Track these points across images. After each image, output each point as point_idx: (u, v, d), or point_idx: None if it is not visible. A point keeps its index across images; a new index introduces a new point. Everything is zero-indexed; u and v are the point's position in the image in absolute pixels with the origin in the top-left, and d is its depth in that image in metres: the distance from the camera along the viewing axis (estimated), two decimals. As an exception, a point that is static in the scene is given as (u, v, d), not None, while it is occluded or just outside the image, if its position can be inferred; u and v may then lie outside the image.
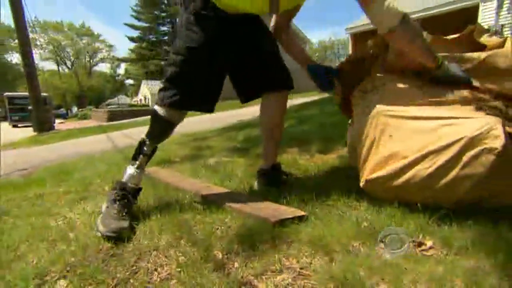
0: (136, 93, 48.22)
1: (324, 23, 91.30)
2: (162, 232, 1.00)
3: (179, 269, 0.80)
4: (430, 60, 1.06)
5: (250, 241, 0.88)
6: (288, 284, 0.71)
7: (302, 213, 1.01)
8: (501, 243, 0.75)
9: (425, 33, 1.19)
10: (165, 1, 42.76)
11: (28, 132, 11.88)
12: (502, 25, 8.91)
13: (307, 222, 0.97)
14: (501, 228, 0.82)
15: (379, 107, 1.05)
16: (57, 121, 17.64)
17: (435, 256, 0.77)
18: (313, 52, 45.30)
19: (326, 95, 5.29)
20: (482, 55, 1.11)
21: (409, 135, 0.97)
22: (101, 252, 0.93)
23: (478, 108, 0.99)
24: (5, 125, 20.32)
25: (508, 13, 8.86)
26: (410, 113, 1.00)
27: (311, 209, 1.07)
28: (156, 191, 1.41)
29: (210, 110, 1.32)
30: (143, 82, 41.85)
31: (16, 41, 36.87)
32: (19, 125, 17.64)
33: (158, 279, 0.79)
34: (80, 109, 36.80)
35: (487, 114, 0.95)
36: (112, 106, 37.88)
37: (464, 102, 1.03)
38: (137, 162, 1.22)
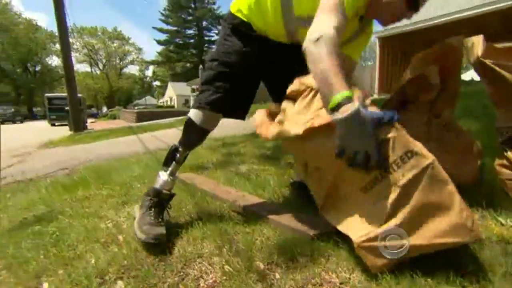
0: (162, 94, 49.76)
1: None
2: (204, 240, 1.06)
3: (225, 278, 0.86)
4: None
5: (290, 253, 0.92)
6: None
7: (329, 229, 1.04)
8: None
9: (460, 37, 1.20)
10: (192, 5, 43.82)
11: (64, 130, 12.67)
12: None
13: (345, 236, 1.00)
14: None
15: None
16: (89, 120, 18.55)
17: None
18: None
19: None
20: None
21: None
22: (150, 256, 1.01)
23: None
24: (45, 123, 21.78)
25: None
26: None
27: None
28: (194, 199, 1.48)
29: (243, 116, 1.37)
30: (170, 83, 43.08)
31: (57, 45, 39.04)
32: (56, 124, 18.74)
33: (205, 286, 0.85)
34: (109, 109, 38.44)
35: None
36: (140, 107, 39.31)
37: None
38: (170, 169, 1.26)
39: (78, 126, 8.68)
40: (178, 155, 1.27)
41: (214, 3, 44.60)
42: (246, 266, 0.88)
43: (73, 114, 8.61)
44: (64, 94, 23.95)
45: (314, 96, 0.99)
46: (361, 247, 0.81)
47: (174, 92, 39.96)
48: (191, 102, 32.58)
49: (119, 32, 50.23)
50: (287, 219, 1.12)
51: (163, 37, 44.94)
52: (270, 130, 0.98)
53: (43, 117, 38.57)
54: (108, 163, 3.35)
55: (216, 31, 45.84)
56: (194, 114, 1.26)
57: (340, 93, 0.79)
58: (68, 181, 2.31)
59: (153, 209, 1.16)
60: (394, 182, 0.79)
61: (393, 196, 0.79)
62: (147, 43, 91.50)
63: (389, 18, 1.13)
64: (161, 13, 43.39)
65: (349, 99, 0.78)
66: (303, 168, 1.03)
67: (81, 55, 45.55)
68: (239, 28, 1.22)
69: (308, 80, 1.01)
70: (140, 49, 53.85)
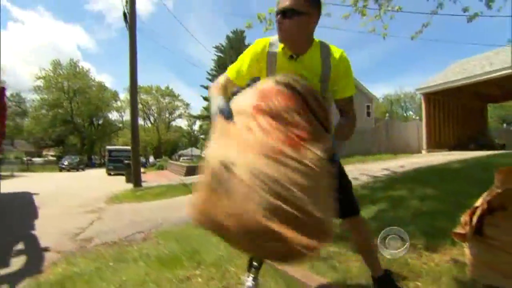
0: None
1: (390, 78, 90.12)
2: None
3: None
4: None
5: None
6: None
7: None
8: None
9: None
10: (236, 65, 47.86)
11: (120, 181, 13.87)
12: None
13: None
14: None
15: None
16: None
17: None
18: (378, 107, 44.51)
19: (398, 168, 5.21)
20: None
21: None
22: None
23: None
24: (102, 172, 24.05)
25: None
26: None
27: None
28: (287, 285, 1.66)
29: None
30: (213, 136, 45.51)
31: (118, 102, 44.66)
32: (111, 173, 20.47)
33: None
34: (157, 159, 41.07)
35: None
36: (185, 158, 41.52)
37: None
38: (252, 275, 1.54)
39: (138, 181, 9.46)
40: (254, 262, 1.57)
41: (255, 63, 48.38)
42: None
43: (135, 171, 9.47)
44: (122, 147, 26.66)
45: None
46: None
47: (217, 145, 41.87)
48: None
49: (170, 89, 55.83)
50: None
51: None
52: None
53: (99, 165, 42.68)
54: (181, 229, 3.66)
55: (258, 87, 48.92)
56: None
57: None
58: (159, 253, 2.61)
59: None
60: None
61: None
62: (194, 99, 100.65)
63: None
64: (208, 73, 47.90)
65: None
66: None
67: (139, 110, 50.81)
68: None
69: None
70: (187, 105, 58.74)
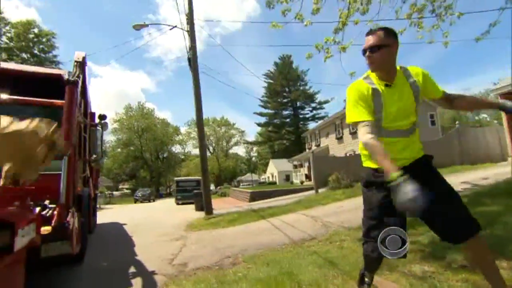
0: (264, 171, 53.40)
1: (451, 81, 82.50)
2: None
3: None
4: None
5: None
6: None
7: None
8: None
9: None
10: (286, 89, 48.86)
11: (189, 209, 14.90)
12: None
13: None
14: None
15: None
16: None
17: None
18: (442, 113, 40.84)
19: (478, 181, 4.81)
20: None
21: None
22: None
23: None
24: (170, 201, 26.03)
25: None
26: None
27: None
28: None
29: None
30: (271, 160, 46.19)
31: (179, 136, 48.82)
32: (179, 202, 21.94)
33: None
34: (218, 187, 42.85)
35: None
36: (244, 184, 42.63)
37: None
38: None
39: (210, 209, 10.09)
40: (367, 279, 1.77)
41: (305, 84, 48.88)
42: None
43: (206, 199, 10.14)
44: (188, 177, 28.56)
45: None
46: None
47: (276, 169, 42.39)
48: (292, 178, 33.82)
49: (226, 119, 58.95)
50: None
51: (262, 119, 50.40)
52: None
53: (166, 195, 46.23)
54: (267, 254, 3.89)
55: (310, 109, 49.02)
56: (368, 252, 1.67)
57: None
58: (256, 276, 2.87)
59: None
60: None
61: None
62: (248, 126, 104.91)
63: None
64: (260, 100, 49.68)
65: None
66: None
67: (196, 142, 54.42)
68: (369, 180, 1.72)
69: None
70: (242, 132, 61.16)
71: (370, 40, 1.57)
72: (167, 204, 24.28)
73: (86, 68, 5.16)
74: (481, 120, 44.50)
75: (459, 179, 7.36)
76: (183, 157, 57.97)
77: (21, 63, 24.71)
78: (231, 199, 23.20)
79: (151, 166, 51.89)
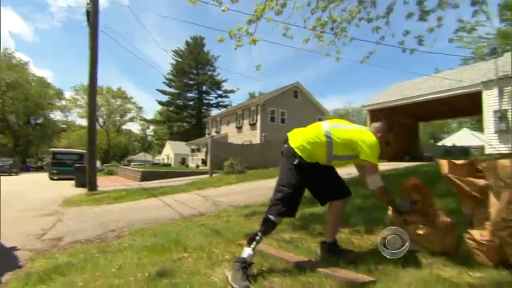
0: (159, 152, 50.88)
1: (340, 92, 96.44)
2: (293, 286, 1.71)
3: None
4: (395, 207, 2.19)
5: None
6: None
7: (373, 278, 1.72)
8: None
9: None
10: (194, 71, 47.67)
11: (67, 186, 13.08)
12: (506, 110, 9.90)
13: (378, 282, 1.67)
14: None
15: None
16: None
17: None
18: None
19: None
20: (480, 182, 1.90)
21: None
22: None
23: None
24: (42, 176, 21.97)
25: (510, 100, 9.93)
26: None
27: (378, 275, 1.77)
28: (265, 260, 2.13)
29: (295, 216, 2.16)
30: (168, 142, 44.40)
31: (62, 101, 41.08)
32: (54, 178, 18.95)
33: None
34: (105, 165, 38.73)
35: None
36: (136, 163, 39.79)
37: None
38: (253, 246, 1.97)
39: (93, 186, 9.19)
40: (258, 238, 2.00)
41: (214, 70, 48.74)
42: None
43: (90, 174, 9.18)
44: (69, 150, 24.63)
45: None
46: None
47: (172, 151, 41.05)
48: (189, 162, 33.47)
49: (123, 91, 53.29)
50: (336, 273, 1.80)
51: (164, 98, 47.78)
52: None
53: (37, 169, 38.65)
54: (156, 227, 3.91)
55: (215, 95, 49.21)
56: (271, 217, 2.04)
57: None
58: (143, 244, 2.90)
59: (241, 270, 1.84)
60: None
61: None
62: (148, 103, 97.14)
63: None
64: (165, 77, 46.93)
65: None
66: None
67: (84, 111, 47.39)
68: (299, 163, 2.07)
69: None
70: (140, 108, 56.51)
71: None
72: (37, 179, 20.51)
73: None
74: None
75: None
76: (64, 126, 49.49)
77: None
78: (119, 178, 21.41)
79: (17, 132, 42.43)
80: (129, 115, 56.44)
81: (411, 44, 5.66)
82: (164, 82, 47.26)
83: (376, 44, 6.10)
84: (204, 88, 48.40)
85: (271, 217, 2.03)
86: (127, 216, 4.97)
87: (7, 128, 41.51)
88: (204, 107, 48.67)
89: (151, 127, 57.91)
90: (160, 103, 48.02)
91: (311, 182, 2.16)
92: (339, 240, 2.36)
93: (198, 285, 1.83)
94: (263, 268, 2.03)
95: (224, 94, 49.16)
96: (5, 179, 20.52)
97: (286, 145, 2.17)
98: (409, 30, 5.53)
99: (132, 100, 55.17)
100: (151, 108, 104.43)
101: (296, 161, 2.05)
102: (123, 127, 57.77)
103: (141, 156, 51.50)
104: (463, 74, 13.28)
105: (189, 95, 48.40)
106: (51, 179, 19.14)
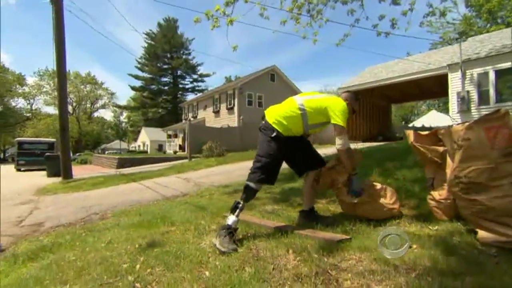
0: (135, 139, 49.47)
1: (317, 75, 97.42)
2: (277, 248, 1.88)
3: (299, 261, 1.67)
4: (350, 170, 2.30)
5: (328, 248, 1.77)
6: (357, 264, 1.60)
7: (348, 237, 1.93)
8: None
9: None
10: (168, 55, 46.11)
11: (37, 176, 12.54)
12: (468, 91, 10.58)
13: (353, 240, 1.88)
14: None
15: None
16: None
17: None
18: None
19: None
20: (441, 148, 2.14)
21: None
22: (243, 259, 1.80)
23: None
24: (8, 168, 20.79)
25: (471, 82, 10.62)
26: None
27: (353, 234, 1.98)
28: (250, 227, 2.29)
29: (274, 183, 2.32)
30: (143, 128, 43.21)
31: (24, 88, 37.88)
32: (22, 169, 18.10)
33: (290, 266, 1.65)
34: (78, 154, 37.26)
35: None
36: (110, 152, 38.58)
37: None
38: (236, 213, 2.12)
39: (68, 173, 8.94)
40: (241, 205, 2.15)
41: (189, 54, 47.40)
42: (304, 254, 1.71)
43: (65, 162, 8.91)
44: (37, 139, 23.36)
45: None
46: None
47: (148, 137, 40.09)
48: (166, 148, 32.90)
49: (93, 76, 50.67)
50: (314, 234, 2.00)
51: (137, 83, 46.07)
52: None
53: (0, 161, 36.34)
54: (139, 208, 3.96)
55: (191, 80, 48.09)
56: (251, 184, 2.19)
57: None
58: (130, 222, 2.97)
59: (227, 236, 1.99)
60: None
61: None
62: (120, 88, 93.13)
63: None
64: (137, 61, 45.08)
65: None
66: None
67: (51, 97, 44.77)
68: (277, 136, 2.21)
69: None
70: (112, 94, 54.17)
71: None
72: (3, 171, 19.39)
73: None
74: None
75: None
76: (28, 114, 46.56)
77: None
78: (94, 167, 20.74)
79: (-27, 121, 39.48)
80: (100, 102, 54.11)
81: (386, 28, 5.89)
82: (137, 67, 45.45)
83: (351, 26, 6.29)
84: (179, 72, 47.06)
85: (251, 184, 2.18)
86: (109, 200, 4.95)
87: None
88: (180, 92, 47.49)
89: (125, 114, 55.97)
90: (133, 88, 46.27)
91: (288, 153, 2.32)
92: (317, 209, 2.57)
93: (188, 251, 1.96)
94: (248, 234, 2.19)
95: (199, 78, 48.12)
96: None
97: (263, 121, 2.32)
98: (384, 14, 5.74)
99: (104, 86, 52.79)
100: (124, 94, 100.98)
101: (273, 134, 2.21)
102: (95, 114, 55.48)
103: (116, 144, 49.90)
104: (432, 57, 13.91)
105: (164, 79, 46.94)
106: (18, 170, 18.25)
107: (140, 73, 45.55)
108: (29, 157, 18.16)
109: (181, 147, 26.42)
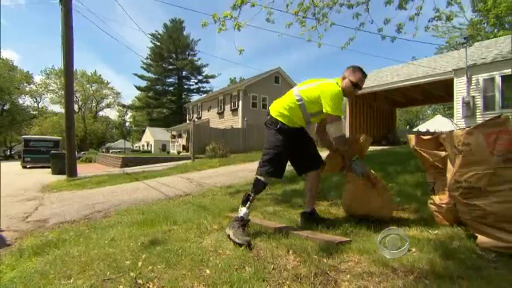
0: (139, 139, 49.78)
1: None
2: (277, 248, 1.90)
3: (299, 262, 1.70)
4: (349, 157, 2.32)
5: (328, 250, 1.79)
6: (356, 266, 1.62)
7: (348, 239, 1.94)
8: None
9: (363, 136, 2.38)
10: (173, 56, 46.40)
11: (43, 173, 12.68)
12: (473, 97, 10.53)
13: (353, 242, 1.90)
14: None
15: None
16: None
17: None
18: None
19: None
20: (442, 153, 2.15)
21: None
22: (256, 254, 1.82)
23: None
24: (14, 165, 21.04)
25: (477, 88, 10.57)
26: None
27: (353, 237, 2.00)
28: (251, 228, 2.32)
29: (282, 177, 2.36)
30: (148, 128, 43.46)
31: (32, 86, 38.40)
32: (27, 166, 18.31)
33: (289, 266, 1.68)
34: (82, 152, 37.58)
35: None
36: (114, 151, 38.84)
37: None
38: (247, 205, 2.19)
39: (73, 171, 9.04)
40: (251, 197, 2.21)
41: (194, 55, 47.67)
42: (304, 255, 1.74)
43: (70, 160, 9.01)
44: (42, 136, 23.64)
45: None
46: None
47: (152, 137, 40.31)
48: (169, 148, 33.10)
49: (99, 76, 51.15)
50: (314, 236, 2.01)
51: (143, 83, 46.41)
52: None
53: (6, 158, 36.80)
54: (142, 207, 4.01)
55: (196, 81, 48.33)
56: (260, 177, 2.24)
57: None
58: (133, 220, 3.01)
59: (240, 228, 2.07)
60: None
61: None
62: (125, 88, 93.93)
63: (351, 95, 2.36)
64: (143, 61, 45.43)
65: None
66: None
67: (57, 96, 45.26)
68: (281, 128, 2.25)
69: None
70: (118, 94, 54.63)
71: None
72: (9, 167, 19.68)
73: None
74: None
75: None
76: (35, 112, 47.05)
77: None
78: (98, 165, 20.91)
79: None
80: (106, 101, 54.58)
81: (391, 33, 5.91)
82: (142, 67, 45.84)
83: (356, 30, 6.31)
84: (184, 73, 47.33)
85: (260, 177, 2.24)
86: (112, 198, 5.01)
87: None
88: (184, 93, 47.75)
89: (130, 113, 56.41)
90: (138, 88, 46.64)
91: (292, 149, 2.36)
92: (318, 211, 2.59)
93: (189, 249, 1.99)
94: (249, 235, 2.21)
95: (204, 80, 48.35)
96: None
97: (268, 117, 2.38)
98: (389, 18, 5.75)
99: (109, 86, 53.24)
100: (129, 93, 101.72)
101: (278, 126, 2.27)
102: (100, 113, 55.95)
103: (120, 143, 50.22)
104: (437, 62, 13.86)
105: (169, 80, 47.26)
106: (24, 167, 18.46)
107: (145, 73, 45.96)
108: (34, 155, 18.39)
109: (185, 148, 26.55)
